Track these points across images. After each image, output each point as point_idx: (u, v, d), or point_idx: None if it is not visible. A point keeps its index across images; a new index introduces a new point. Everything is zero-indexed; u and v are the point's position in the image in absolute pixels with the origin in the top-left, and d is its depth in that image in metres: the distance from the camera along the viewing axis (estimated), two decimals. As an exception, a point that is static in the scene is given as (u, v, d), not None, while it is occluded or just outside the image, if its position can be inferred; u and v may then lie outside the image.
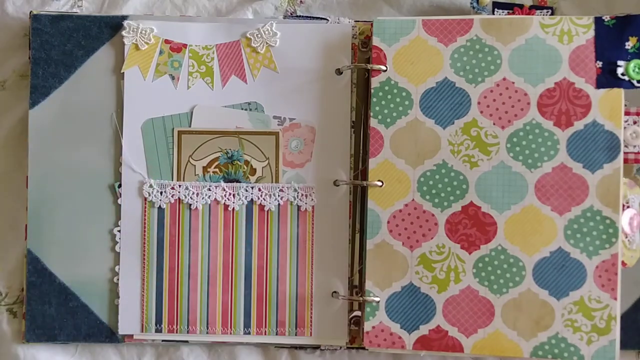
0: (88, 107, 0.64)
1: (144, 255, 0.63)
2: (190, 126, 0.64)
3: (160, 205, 0.64)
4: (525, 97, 0.61)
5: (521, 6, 0.65)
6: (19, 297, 0.66)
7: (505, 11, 0.65)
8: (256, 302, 0.63)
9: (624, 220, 0.60)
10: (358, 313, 0.63)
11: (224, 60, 0.64)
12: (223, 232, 0.64)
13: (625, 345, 0.60)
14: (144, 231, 0.64)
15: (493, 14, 0.65)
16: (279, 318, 0.63)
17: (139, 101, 0.64)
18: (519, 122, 0.61)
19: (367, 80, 0.64)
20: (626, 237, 0.60)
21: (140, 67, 0.64)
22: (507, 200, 0.60)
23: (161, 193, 0.64)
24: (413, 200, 0.61)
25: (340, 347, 0.64)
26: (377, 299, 0.61)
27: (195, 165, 0.64)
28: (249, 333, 0.63)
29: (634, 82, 0.60)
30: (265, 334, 0.63)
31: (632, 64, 0.60)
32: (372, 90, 0.62)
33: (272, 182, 0.64)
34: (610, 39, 0.60)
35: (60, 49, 0.64)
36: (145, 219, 0.64)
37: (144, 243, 0.64)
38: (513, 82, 0.61)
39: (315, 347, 0.64)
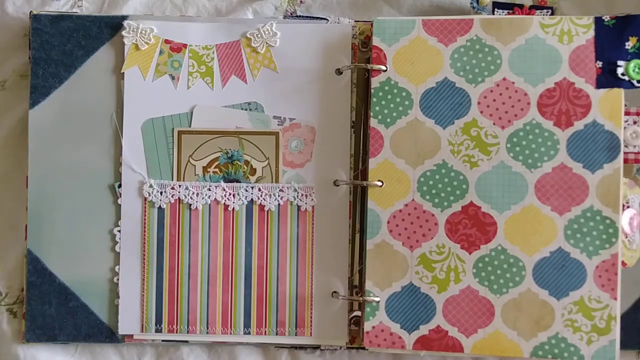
0: (88, 107, 0.64)
1: (144, 255, 0.63)
2: (190, 126, 0.64)
3: (160, 205, 0.64)
4: (525, 97, 0.61)
5: (521, 6, 0.65)
6: (19, 297, 0.66)
7: (505, 11, 0.65)
8: (256, 302, 0.63)
9: (624, 220, 0.60)
10: (358, 313, 0.63)
11: (224, 60, 0.64)
12: (223, 232, 0.64)
13: (625, 345, 0.60)
14: (144, 231, 0.64)
15: (493, 14, 0.65)
16: (279, 318, 0.63)
17: (139, 101, 0.64)
18: (519, 122, 0.61)
19: (367, 80, 0.64)
20: (626, 237, 0.60)
21: (140, 67, 0.64)
22: (507, 200, 0.60)
23: (161, 193, 0.64)
24: (413, 200, 0.61)
25: (340, 347, 0.64)
26: (377, 299, 0.61)
27: (195, 165, 0.64)
28: (249, 333, 0.63)
29: (634, 82, 0.60)
30: (265, 334, 0.63)
31: (632, 64, 0.60)
32: (372, 90, 0.62)
33: (272, 182, 0.64)
34: (610, 39, 0.60)
35: (60, 49, 0.64)
36: (145, 219, 0.64)
37: (144, 243, 0.64)
38: (513, 82, 0.61)
39: (315, 347, 0.64)
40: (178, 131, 0.64)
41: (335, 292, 0.63)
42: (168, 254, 0.63)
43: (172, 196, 0.64)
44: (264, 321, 0.63)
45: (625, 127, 0.60)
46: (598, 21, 0.60)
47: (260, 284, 0.63)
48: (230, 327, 0.63)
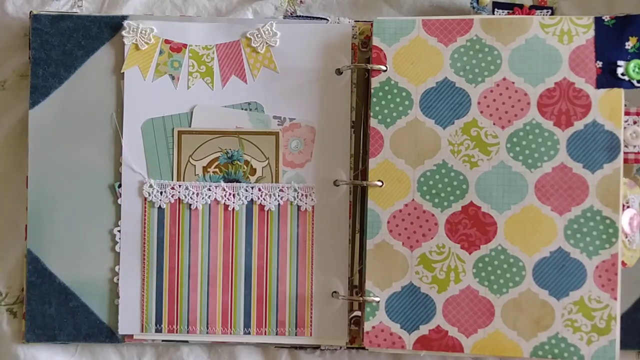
0: (88, 107, 0.64)
1: (144, 255, 0.63)
2: (190, 126, 0.64)
3: (160, 205, 0.64)
4: (525, 97, 0.61)
5: (521, 6, 0.65)
6: (19, 297, 0.66)
7: (505, 11, 0.65)
8: (256, 302, 0.63)
9: (624, 220, 0.60)
10: (358, 313, 0.63)
11: (224, 60, 0.64)
12: (223, 232, 0.64)
13: (625, 345, 0.60)
14: (144, 231, 0.64)
15: (493, 14, 0.65)
16: (279, 318, 0.63)
17: (139, 101, 0.64)
18: (519, 122, 0.61)
19: (367, 80, 0.64)
20: (626, 237, 0.60)
21: (140, 67, 0.64)
22: (507, 200, 0.60)
23: (161, 193, 0.64)
24: (413, 200, 0.61)
25: (340, 347, 0.64)
26: (377, 299, 0.61)
27: (195, 165, 0.64)
28: (249, 333, 0.63)
29: (634, 82, 0.60)
30: (265, 334, 0.63)
31: (632, 64, 0.60)
32: (372, 90, 0.62)
33: (272, 182, 0.64)
34: (610, 39, 0.60)
35: (60, 49, 0.64)
36: (145, 219, 0.64)
37: (144, 243, 0.64)
38: (513, 82, 0.61)
39: (315, 347, 0.64)
40: (178, 131, 0.64)
41: (335, 292, 0.63)
42: (168, 254, 0.63)
43: (172, 196, 0.64)
44: (264, 321, 0.63)
45: (625, 127, 0.60)
46: (598, 21, 0.60)
47: (260, 284, 0.63)
48: (230, 327, 0.63)
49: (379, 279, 0.61)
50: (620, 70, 0.60)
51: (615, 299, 0.59)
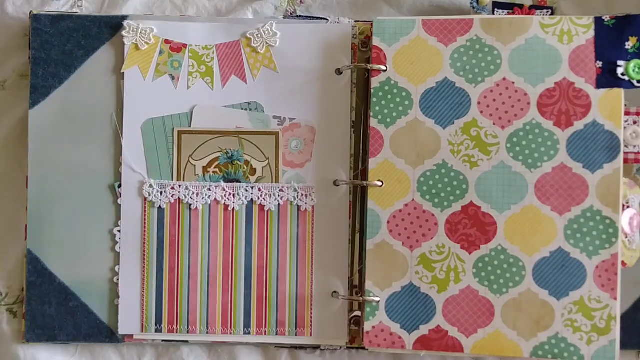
0: (88, 107, 0.64)
1: (144, 255, 0.63)
2: (190, 126, 0.64)
3: (160, 205, 0.64)
4: (525, 97, 0.61)
5: (521, 6, 0.65)
6: (19, 297, 0.66)
7: (505, 11, 0.65)
8: (256, 302, 0.63)
9: (624, 220, 0.60)
10: (358, 313, 0.63)
11: (224, 60, 0.64)
12: (223, 232, 0.64)
13: (625, 345, 0.60)
14: (144, 231, 0.64)
15: (493, 14, 0.65)
16: (279, 318, 0.63)
17: (139, 101, 0.64)
18: (519, 122, 0.61)
19: (367, 80, 0.64)
20: (626, 237, 0.60)
21: (140, 67, 0.64)
22: (507, 200, 0.60)
23: (161, 193, 0.64)
24: (413, 200, 0.61)
25: (340, 347, 0.64)
26: (377, 299, 0.61)
27: (195, 165, 0.64)
28: (249, 333, 0.63)
29: (634, 82, 0.60)
30: (265, 334, 0.63)
31: (632, 64, 0.60)
32: (372, 90, 0.62)
33: (272, 182, 0.64)
34: (610, 39, 0.60)
35: (60, 49, 0.64)
36: (145, 219, 0.64)
37: (144, 243, 0.64)
38: (513, 82, 0.61)
39: (315, 347, 0.64)
40: (178, 131, 0.64)
41: (335, 292, 0.63)
42: (168, 254, 0.63)
43: (172, 196, 0.64)
44: (264, 321, 0.63)
45: (625, 127, 0.60)
46: (598, 21, 0.60)
47: (260, 284, 0.63)
48: (230, 327, 0.63)
49: (379, 279, 0.61)
50: (620, 70, 0.60)
51: (615, 299, 0.59)
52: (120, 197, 0.64)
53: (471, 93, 0.61)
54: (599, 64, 0.60)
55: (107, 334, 0.64)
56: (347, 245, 0.63)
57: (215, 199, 0.64)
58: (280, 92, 0.64)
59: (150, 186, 0.63)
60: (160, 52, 0.64)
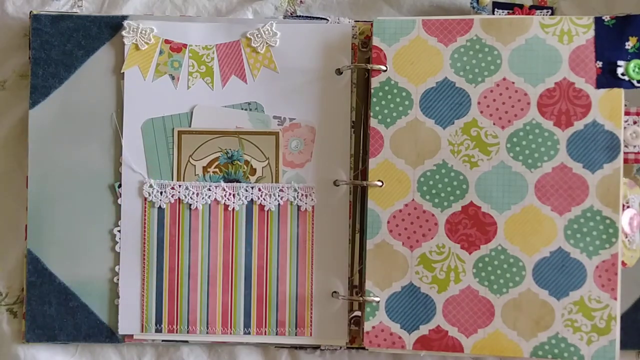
0: (88, 107, 0.64)
1: (144, 255, 0.63)
2: (190, 126, 0.64)
3: (160, 205, 0.64)
4: (525, 97, 0.61)
5: (521, 6, 0.65)
6: (19, 297, 0.66)
7: (505, 11, 0.65)
8: (256, 302, 0.63)
9: (624, 220, 0.60)
10: (358, 313, 0.63)
11: (224, 60, 0.64)
12: (223, 232, 0.64)
13: (625, 345, 0.60)
14: (144, 231, 0.64)
15: (493, 14, 0.65)
16: (279, 318, 0.63)
17: (139, 101, 0.64)
18: (519, 122, 0.61)
19: (367, 80, 0.64)
20: (626, 237, 0.60)
21: (140, 67, 0.64)
22: (507, 200, 0.60)
23: (161, 193, 0.64)
24: (413, 200, 0.61)
25: (340, 347, 0.64)
26: (377, 299, 0.61)
27: (195, 165, 0.64)
28: (249, 333, 0.63)
29: (634, 82, 0.60)
30: (265, 334, 0.63)
31: (632, 64, 0.60)
32: (372, 90, 0.62)
33: (272, 182, 0.64)
34: (610, 39, 0.60)
35: (60, 49, 0.64)
36: (145, 219, 0.64)
37: (144, 243, 0.64)
38: (513, 82, 0.61)
39: (315, 347, 0.64)
40: (178, 131, 0.64)
41: (335, 292, 0.63)
42: (168, 254, 0.63)
43: (172, 196, 0.64)
44: (264, 321, 0.63)
45: (625, 127, 0.60)
46: (598, 21, 0.60)
47: (260, 284, 0.63)
48: (230, 327, 0.63)
49: (379, 279, 0.61)
50: (620, 70, 0.60)
51: (615, 299, 0.59)
52: (120, 197, 0.64)
53: (471, 93, 0.61)
54: (599, 64, 0.60)
55: (107, 334, 0.64)
56: (347, 245, 0.63)
57: (215, 199, 0.64)
58: (280, 92, 0.64)
59: (150, 186, 0.63)
60: (160, 52, 0.64)
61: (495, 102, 0.61)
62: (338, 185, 0.63)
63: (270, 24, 0.64)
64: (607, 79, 0.60)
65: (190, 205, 0.64)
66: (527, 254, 0.60)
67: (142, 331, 0.63)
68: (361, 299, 0.62)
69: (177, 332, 0.63)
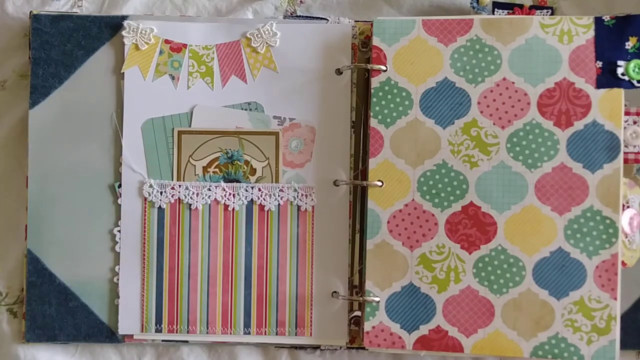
0: (88, 107, 0.64)
1: (144, 255, 0.63)
2: (190, 126, 0.64)
3: (160, 205, 0.64)
4: (525, 97, 0.61)
5: (521, 6, 0.65)
6: (19, 297, 0.66)
7: (505, 11, 0.65)
8: (256, 302, 0.63)
9: (624, 220, 0.60)
10: (358, 313, 0.63)
11: (224, 60, 0.64)
12: (223, 232, 0.64)
13: (625, 345, 0.60)
14: (144, 231, 0.64)
15: (493, 14, 0.65)
16: (279, 318, 0.63)
17: (139, 101, 0.64)
18: (519, 122, 0.61)
19: (367, 80, 0.64)
20: (626, 237, 0.60)
21: (140, 67, 0.64)
22: (507, 200, 0.60)
23: (161, 193, 0.64)
24: (413, 200, 0.61)
25: (340, 347, 0.64)
26: (377, 299, 0.61)
27: (195, 165, 0.64)
28: (249, 333, 0.63)
29: (634, 82, 0.60)
30: (265, 334, 0.63)
31: (632, 64, 0.60)
32: (372, 90, 0.62)
33: (272, 182, 0.64)
34: (610, 39, 0.60)
35: (60, 49, 0.64)
36: (145, 219, 0.64)
37: (144, 243, 0.64)
38: (513, 82, 0.61)
39: (315, 347, 0.64)
40: (178, 131, 0.64)
41: (335, 292, 0.63)
42: (168, 254, 0.63)
43: (172, 196, 0.64)
44: (264, 321, 0.63)
45: (625, 127, 0.60)
46: (598, 21, 0.60)
47: (260, 284, 0.63)
48: (230, 327, 0.63)
49: (379, 279, 0.61)
50: (620, 70, 0.60)
51: (615, 299, 0.59)
52: (120, 197, 0.64)
53: (471, 93, 0.61)
54: (599, 64, 0.60)
55: (107, 334, 0.64)
56: (347, 245, 0.63)
57: (215, 199, 0.64)
58: (280, 92, 0.64)
59: (150, 186, 0.63)
60: (160, 52, 0.64)
61: (495, 102, 0.61)
62: (338, 185, 0.63)
63: (270, 24, 0.64)
64: (607, 79, 0.60)
65: (190, 205, 0.64)
66: (527, 254, 0.60)
67: (142, 331, 0.63)
68: (361, 299, 0.62)
69: (177, 332, 0.63)
